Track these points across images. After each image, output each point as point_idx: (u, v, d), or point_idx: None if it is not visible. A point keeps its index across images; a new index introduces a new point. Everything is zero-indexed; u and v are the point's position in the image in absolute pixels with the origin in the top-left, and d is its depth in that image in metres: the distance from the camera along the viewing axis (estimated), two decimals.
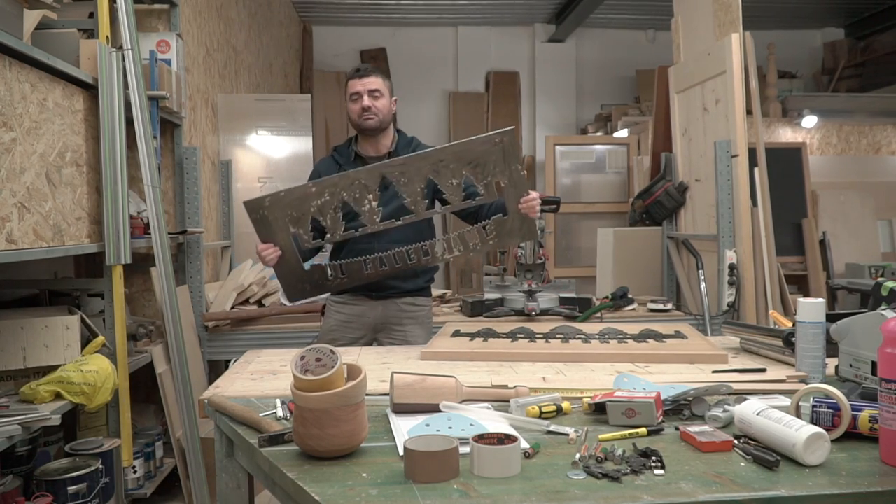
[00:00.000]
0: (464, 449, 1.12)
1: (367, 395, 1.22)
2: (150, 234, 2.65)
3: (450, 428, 1.25)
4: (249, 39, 5.02)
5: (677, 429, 1.26)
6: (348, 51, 7.60)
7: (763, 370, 1.67)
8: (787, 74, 7.11)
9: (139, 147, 2.62)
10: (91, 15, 2.67)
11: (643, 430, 1.25)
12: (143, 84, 2.62)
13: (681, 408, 1.36)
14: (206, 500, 2.63)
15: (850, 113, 6.12)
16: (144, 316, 3.15)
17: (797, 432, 1.09)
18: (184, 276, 3.20)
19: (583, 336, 2.09)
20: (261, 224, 2.19)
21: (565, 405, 1.38)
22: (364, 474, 1.09)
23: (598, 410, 1.35)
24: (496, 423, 1.29)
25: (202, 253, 3.27)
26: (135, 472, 2.63)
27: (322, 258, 2.48)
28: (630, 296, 3.34)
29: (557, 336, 2.10)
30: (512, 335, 2.13)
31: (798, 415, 1.23)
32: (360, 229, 2.24)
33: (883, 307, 1.47)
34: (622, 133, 6.28)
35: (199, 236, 3.22)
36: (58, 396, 2.10)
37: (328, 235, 2.24)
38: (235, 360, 2.07)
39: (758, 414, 1.18)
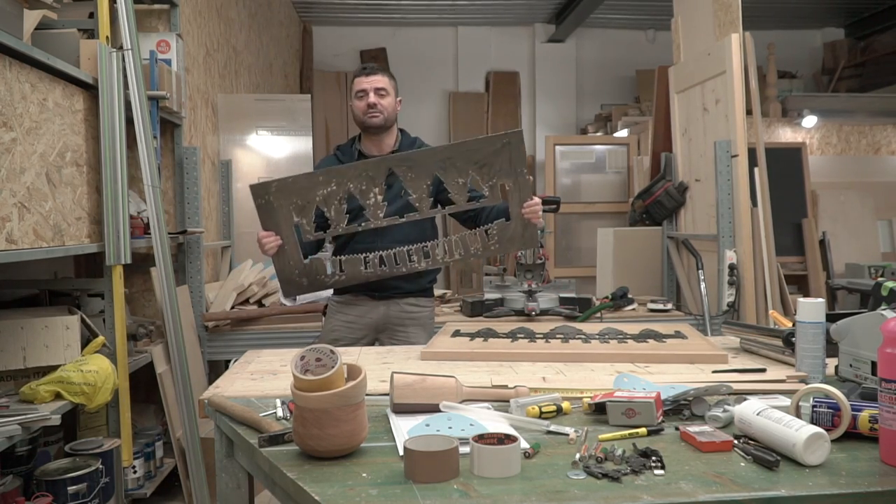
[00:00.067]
0: (464, 449, 1.12)
1: (367, 395, 1.22)
2: (150, 234, 2.65)
3: (450, 428, 1.25)
4: (249, 39, 5.02)
5: (677, 429, 1.26)
6: (348, 51, 7.60)
7: (763, 370, 1.67)
8: (787, 74, 7.11)
9: (139, 147, 2.63)
10: (91, 15, 2.67)
11: (643, 430, 1.25)
12: (143, 84, 2.63)
13: (681, 408, 1.36)
14: (206, 500, 2.62)
15: (850, 113, 6.12)
16: (144, 316, 3.15)
17: (797, 432, 1.09)
18: (184, 276, 3.20)
19: (583, 336, 2.09)
20: (264, 210, 2.17)
21: (565, 405, 1.38)
22: (364, 474, 1.09)
23: (598, 410, 1.35)
24: (496, 423, 1.29)
25: (202, 253, 3.27)
26: (135, 472, 2.63)
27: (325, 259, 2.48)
28: (630, 296, 3.34)
29: (557, 336, 2.10)
30: (512, 335, 2.13)
31: (798, 415, 1.23)
32: (362, 224, 2.22)
33: (883, 307, 1.46)
34: (622, 133, 6.28)
35: (199, 236, 3.22)
36: (58, 396, 2.10)
37: (331, 228, 2.22)
38: (235, 360, 2.07)
39: (758, 414, 1.18)
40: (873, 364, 1.36)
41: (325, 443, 1.14)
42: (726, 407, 1.31)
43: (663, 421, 1.30)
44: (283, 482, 1.13)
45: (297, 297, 3.35)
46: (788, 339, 1.71)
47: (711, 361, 1.79)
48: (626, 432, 1.24)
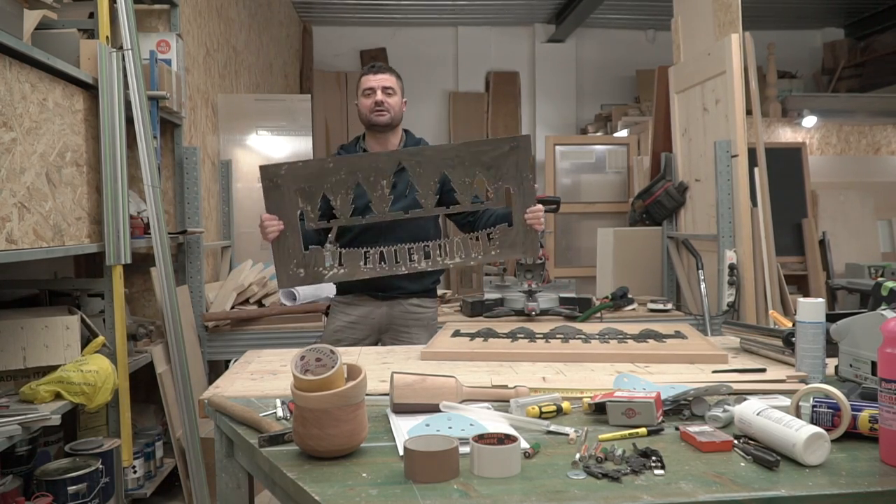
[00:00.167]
0: (464, 449, 1.12)
1: (367, 395, 1.22)
2: (150, 234, 2.65)
3: (450, 428, 1.25)
4: (249, 39, 5.02)
5: (677, 429, 1.26)
6: (348, 51, 7.61)
7: (763, 370, 1.67)
8: (787, 74, 7.11)
9: (139, 147, 2.63)
10: (91, 15, 2.67)
11: (643, 430, 1.25)
12: (143, 84, 2.63)
13: (681, 408, 1.36)
14: (206, 500, 2.63)
15: (850, 113, 6.12)
16: (144, 316, 3.15)
17: (797, 432, 1.09)
18: (184, 276, 3.20)
19: (583, 336, 2.09)
20: (271, 193, 2.17)
21: (565, 405, 1.38)
22: (364, 474, 1.09)
23: (598, 410, 1.35)
24: (496, 423, 1.29)
25: (202, 253, 3.27)
26: (135, 472, 2.63)
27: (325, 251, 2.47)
28: (630, 296, 3.34)
29: (557, 336, 2.10)
30: (512, 335, 2.13)
31: (798, 415, 1.23)
32: (367, 216, 2.23)
33: (883, 307, 1.46)
34: (622, 133, 6.28)
35: (199, 236, 3.22)
36: (58, 396, 2.10)
37: (335, 219, 2.22)
38: (235, 360, 2.07)
39: (758, 414, 1.18)
40: (873, 364, 1.36)
41: (325, 443, 1.14)
42: (726, 407, 1.31)
43: (663, 421, 1.30)
44: (283, 482, 1.13)
45: (298, 297, 3.38)
46: (788, 339, 1.71)
47: (711, 361, 1.79)
48: (626, 432, 1.24)
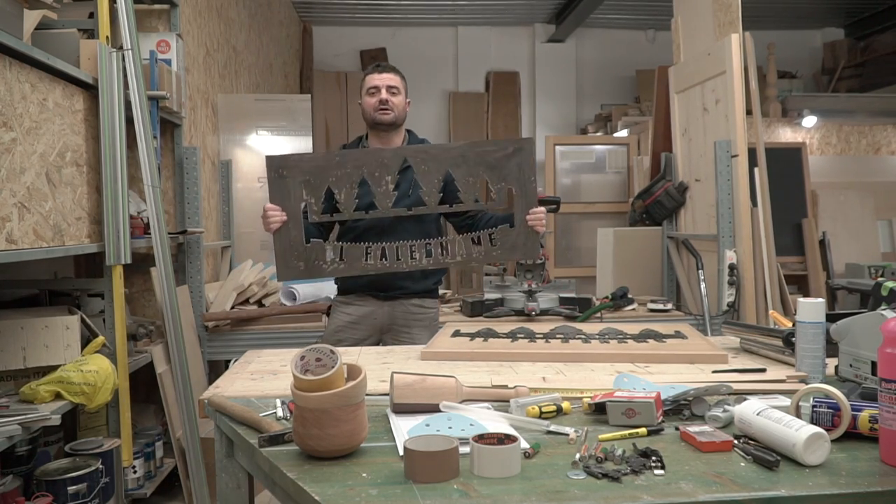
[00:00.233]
0: (464, 449, 1.12)
1: (367, 395, 1.22)
2: (150, 234, 2.65)
3: (450, 428, 1.25)
4: (249, 39, 5.02)
5: (677, 429, 1.26)
6: (348, 51, 7.61)
7: (763, 370, 1.67)
8: (787, 74, 7.11)
9: (139, 147, 2.63)
10: (91, 15, 2.67)
11: (643, 430, 1.25)
12: (143, 84, 2.63)
13: (681, 408, 1.36)
14: (206, 500, 2.63)
15: (850, 113, 6.12)
16: (144, 316, 3.15)
17: (797, 432, 1.09)
18: (184, 276, 3.20)
19: (583, 336, 2.09)
20: (276, 184, 2.18)
21: (565, 405, 1.38)
22: (364, 474, 1.09)
23: (598, 410, 1.35)
24: (496, 423, 1.29)
25: (202, 253, 3.27)
26: (135, 472, 2.63)
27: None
28: (630, 296, 3.34)
29: (557, 336, 2.10)
30: (512, 335, 2.13)
31: (798, 415, 1.23)
32: (370, 211, 2.24)
33: (883, 307, 1.46)
34: (622, 133, 6.28)
35: (199, 236, 3.22)
36: (58, 396, 2.10)
37: (338, 213, 2.23)
38: (235, 360, 2.07)
39: (758, 414, 1.18)
40: (873, 364, 1.36)
41: (325, 443, 1.14)
42: (726, 407, 1.31)
43: (663, 421, 1.30)
44: (283, 482, 1.13)
45: (298, 297, 3.38)
46: (788, 339, 1.71)
47: (711, 361, 1.79)
48: (626, 432, 1.24)
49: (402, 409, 1.38)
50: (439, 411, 1.33)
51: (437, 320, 2.60)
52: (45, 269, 2.76)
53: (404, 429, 1.27)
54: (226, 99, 4.20)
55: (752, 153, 3.61)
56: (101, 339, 2.31)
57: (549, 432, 1.26)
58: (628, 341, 2.01)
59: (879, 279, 1.97)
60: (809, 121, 5.87)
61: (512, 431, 1.21)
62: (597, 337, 2.08)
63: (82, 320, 2.32)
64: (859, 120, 6.08)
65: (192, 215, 3.22)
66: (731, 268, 3.40)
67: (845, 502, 1.01)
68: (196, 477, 2.64)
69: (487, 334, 2.15)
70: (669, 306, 3.37)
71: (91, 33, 2.64)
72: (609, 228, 4.55)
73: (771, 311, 2.54)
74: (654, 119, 4.50)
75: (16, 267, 2.49)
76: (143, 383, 2.97)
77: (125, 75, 2.53)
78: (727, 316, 3.36)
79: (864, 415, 1.19)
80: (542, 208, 2.27)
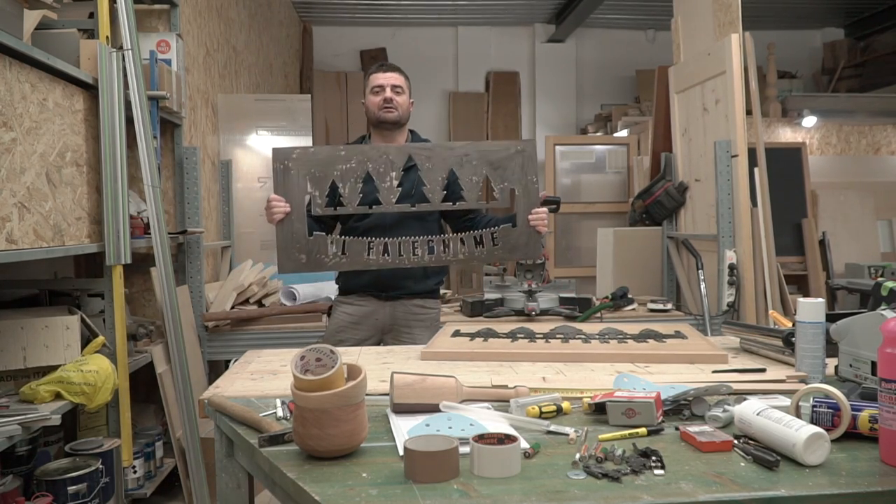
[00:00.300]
0: (464, 449, 1.12)
1: (367, 395, 1.22)
2: (150, 234, 2.65)
3: (450, 428, 1.25)
4: (249, 39, 5.02)
5: (677, 429, 1.26)
6: (348, 51, 7.61)
7: (763, 370, 1.67)
8: (787, 74, 7.11)
9: (139, 147, 2.63)
10: (91, 15, 2.67)
11: (643, 430, 1.25)
12: (143, 84, 2.63)
13: (681, 408, 1.36)
14: (206, 500, 2.63)
15: (850, 113, 6.12)
16: (144, 316, 3.15)
17: (797, 432, 1.09)
18: (184, 276, 3.20)
19: (583, 336, 2.09)
20: (281, 175, 2.20)
21: (565, 405, 1.38)
22: (364, 474, 1.09)
23: (598, 410, 1.35)
24: (496, 423, 1.29)
25: (202, 253, 3.27)
26: (135, 472, 2.63)
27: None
28: (630, 296, 3.34)
29: (557, 336, 2.10)
30: (512, 335, 2.13)
31: (798, 415, 1.23)
32: (373, 206, 2.26)
33: (883, 307, 1.46)
34: (622, 133, 6.28)
35: (199, 236, 3.22)
36: (58, 396, 2.10)
37: (342, 207, 2.24)
38: (235, 360, 2.07)
39: (758, 414, 1.18)
40: (873, 364, 1.36)
41: (325, 443, 1.14)
42: (726, 407, 1.31)
43: (663, 421, 1.30)
44: (283, 482, 1.13)
45: (298, 297, 3.38)
46: (788, 339, 1.71)
47: (711, 361, 1.79)
48: (626, 432, 1.24)
49: (402, 409, 1.38)
50: (439, 411, 1.33)
51: (438, 321, 2.60)
52: (45, 269, 2.76)
53: (404, 429, 1.27)
54: (226, 99, 4.20)
55: (752, 153, 3.61)
56: (101, 339, 2.31)
57: (549, 432, 1.26)
58: (628, 341, 2.01)
59: (879, 279, 1.97)
60: (809, 121, 5.87)
61: (512, 431, 1.21)
62: (597, 337, 2.07)
63: (82, 320, 2.32)
64: (859, 120, 6.08)
65: (192, 215, 3.22)
66: (731, 268, 3.40)
67: (845, 502, 1.01)
68: (196, 477, 2.64)
69: (487, 334, 2.15)
70: (669, 306, 3.37)
71: (91, 33, 2.64)
72: (609, 228, 4.55)
73: (771, 311, 2.54)
74: (654, 119, 4.50)
75: (16, 267, 2.49)
76: (143, 383, 2.97)
77: (125, 75, 2.53)
78: (727, 316, 3.36)
79: (864, 415, 1.19)
80: (545, 209, 2.29)
